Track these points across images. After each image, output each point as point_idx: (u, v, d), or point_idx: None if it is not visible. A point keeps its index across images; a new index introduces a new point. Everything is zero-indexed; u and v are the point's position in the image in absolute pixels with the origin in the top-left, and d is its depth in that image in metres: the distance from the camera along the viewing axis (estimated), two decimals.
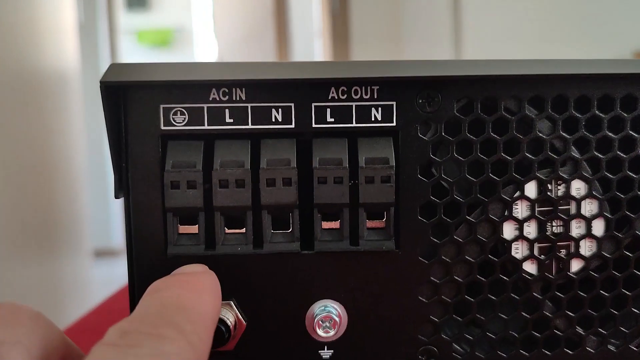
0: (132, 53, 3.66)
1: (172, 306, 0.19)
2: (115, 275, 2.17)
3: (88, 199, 1.72)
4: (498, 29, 1.71)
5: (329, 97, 0.25)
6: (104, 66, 2.43)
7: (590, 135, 0.25)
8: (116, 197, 0.26)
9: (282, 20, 3.07)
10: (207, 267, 0.24)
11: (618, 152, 0.25)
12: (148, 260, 0.25)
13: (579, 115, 0.25)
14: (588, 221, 0.26)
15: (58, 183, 1.43)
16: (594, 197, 0.26)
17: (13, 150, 1.17)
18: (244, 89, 0.25)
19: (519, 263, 0.26)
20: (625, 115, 0.25)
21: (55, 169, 1.42)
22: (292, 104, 0.25)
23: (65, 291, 1.44)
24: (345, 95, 0.25)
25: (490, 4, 1.72)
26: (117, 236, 2.58)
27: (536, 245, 0.26)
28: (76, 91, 1.63)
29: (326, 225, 0.26)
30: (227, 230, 0.25)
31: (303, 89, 0.25)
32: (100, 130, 2.19)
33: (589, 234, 0.26)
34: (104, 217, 2.50)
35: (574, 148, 0.25)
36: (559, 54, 1.64)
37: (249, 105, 0.25)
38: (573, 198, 0.26)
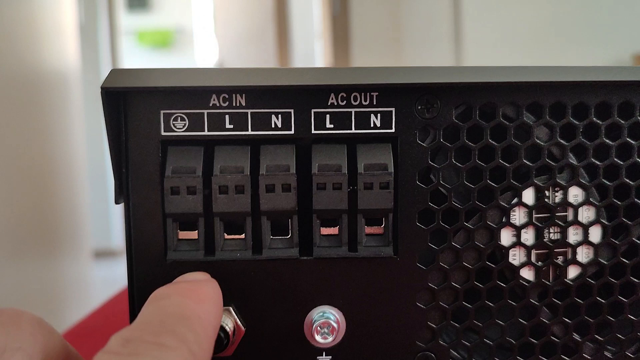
0: (132, 54, 3.66)
1: (174, 315, 0.19)
2: (115, 276, 2.17)
3: (88, 199, 1.72)
4: (498, 32, 1.71)
5: (329, 103, 0.25)
6: (104, 67, 2.43)
7: (588, 142, 0.25)
8: (116, 202, 0.26)
9: (282, 21, 3.07)
10: (209, 275, 0.24)
11: (615, 159, 0.26)
12: (148, 265, 0.25)
13: (577, 122, 0.25)
14: (585, 228, 0.26)
15: (58, 183, 1.43)
16: (591, 204, 0.26)
17: (13, 151, 1.18)
18: (244, 95, 0.25)
19: (516, 269, 0.26)
20: (623, 122, 0.25)
21: (55, 169, 1.42)
22: (292, 110, 0.25)
23: (65, 292, 1.44)
24: (345, 102, 0.25)
25: (490, 8, 1.73)
26: (117, 237, 2.58)
27: (533, 252, 0.26)
28: (76, 92, 1.64)
29: (325, 231, 0.26)
30: (226, 236, 0.26)
31: (302, 95, 0.25)
32: (100, 131, 2.19)
33: (586, 241, 0.26)
34: (103, 217, 2.50)
35: (571, 155, 0.26)
36: (558, 57, 1.64)
37: (249, 111, 0.25)
38: (570, 205, 0.26)
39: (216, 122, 0.25)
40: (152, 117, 0.25)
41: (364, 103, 0.25)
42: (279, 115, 0.25)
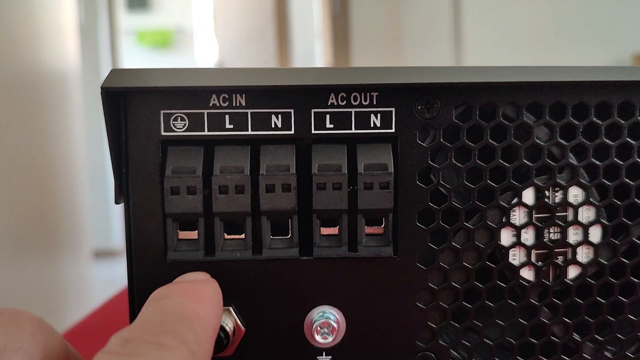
0: (132, 54, 3.66)
1: (174, 315, 0.19)
2: (115, 276, 2.17)
3: (88, 199, 1.72)
4: (498, 32, 1.71)
5: (329, 103, 0.25)
6: (104, 67, 2.43)
7: (588, 142, 0.25)
8: (116, 202, 0.26)
9: (282, 21, 3.07)
10: (209, 275, 0.24)
11: (615, 159, 0.26)
12: (148, 265, 0.25)
13: (577, 122, 0.25)
14: (585, 228, 0.26)
15: (58, 183, 1.43)
16: (591, 204, 0.26)
17: (13, 151, 1.18)
18: (244, 95, 0.25)
19: (516, 269, 0.26)
20: (623, 122, 0.25)
21: (55, 169, 1.42)
22: (292, 110, 0.25)
23: (65, 292, 1.44)
24: (345, 102, 0.25)
25: (490, 8, 1.73)
26: (117, 237, 2.58)
27: (533, 252, 0.26)
28: (76, 92, 1.64)
29: (325, 231, 0.26)
30: (226, 236, 0.26)
31: (302, 95, 0.25)
32: (100, 131, 2.19)
33: (586, 241, 0.26)
34: (103, 217, 2.50)
35: (571, 155, 0.26)
36: (558, 57, 1.64)
37: (249, 111, 0.25)
38: (570, 205, 0.26)
39: (216, 122, 0.25)
40: (152, 117, 0.25)
41: (364, 103, 0.25)
42: (279, 115, 0.25)
